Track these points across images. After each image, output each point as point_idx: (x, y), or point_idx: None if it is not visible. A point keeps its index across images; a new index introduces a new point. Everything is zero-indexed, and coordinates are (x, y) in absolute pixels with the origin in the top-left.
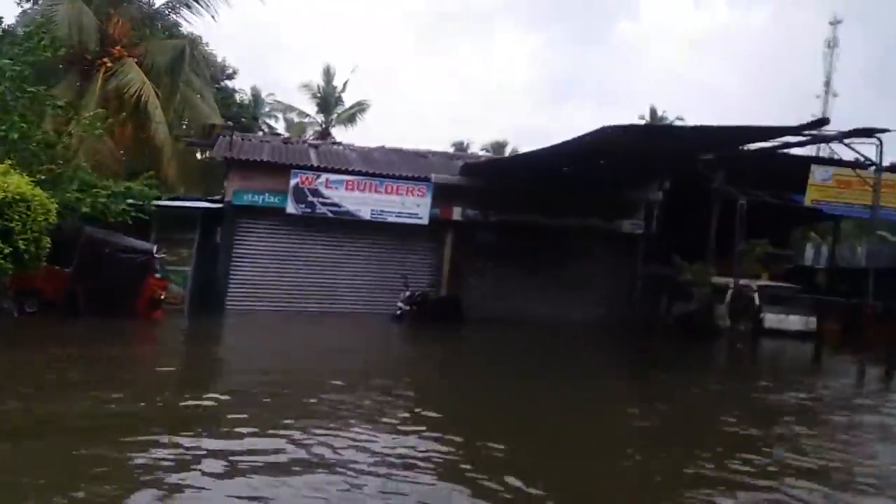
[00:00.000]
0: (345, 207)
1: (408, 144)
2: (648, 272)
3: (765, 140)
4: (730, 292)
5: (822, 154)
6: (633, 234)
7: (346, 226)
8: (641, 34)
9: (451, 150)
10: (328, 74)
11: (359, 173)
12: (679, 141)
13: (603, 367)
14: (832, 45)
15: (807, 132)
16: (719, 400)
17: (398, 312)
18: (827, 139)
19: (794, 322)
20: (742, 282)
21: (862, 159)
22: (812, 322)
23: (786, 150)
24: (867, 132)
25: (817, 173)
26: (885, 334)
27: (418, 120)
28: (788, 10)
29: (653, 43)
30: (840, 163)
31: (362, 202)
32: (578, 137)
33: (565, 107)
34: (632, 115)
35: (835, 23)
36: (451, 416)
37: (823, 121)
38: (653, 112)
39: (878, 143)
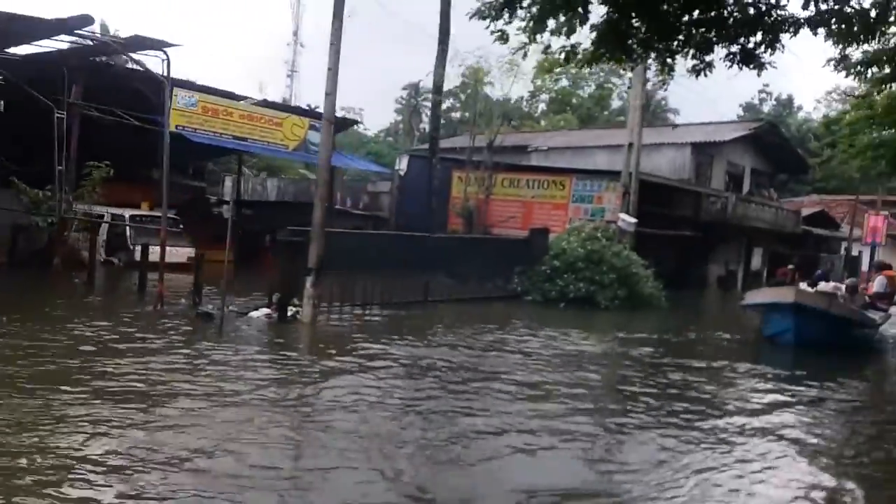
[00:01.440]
0: None
1: None
2: None
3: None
4: (103, 224)
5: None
6: None
7: None
8: None
9: None
10: None
11: None
12: None
13: None
14: None
15: (82, 34)
16: None
17: None
18: (114, 50)
19: (171, 254)
20: (113, 211)
21: (143, 70)
22: (189, 252)
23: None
24: (153, 43)
25: (180, 97)
26: (268, 262)
27: None
28: None
29: None
30: (208, 90)
31: None
32: None
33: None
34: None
35: None
36: None
37: (87, 19)
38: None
39: (165, 57)
